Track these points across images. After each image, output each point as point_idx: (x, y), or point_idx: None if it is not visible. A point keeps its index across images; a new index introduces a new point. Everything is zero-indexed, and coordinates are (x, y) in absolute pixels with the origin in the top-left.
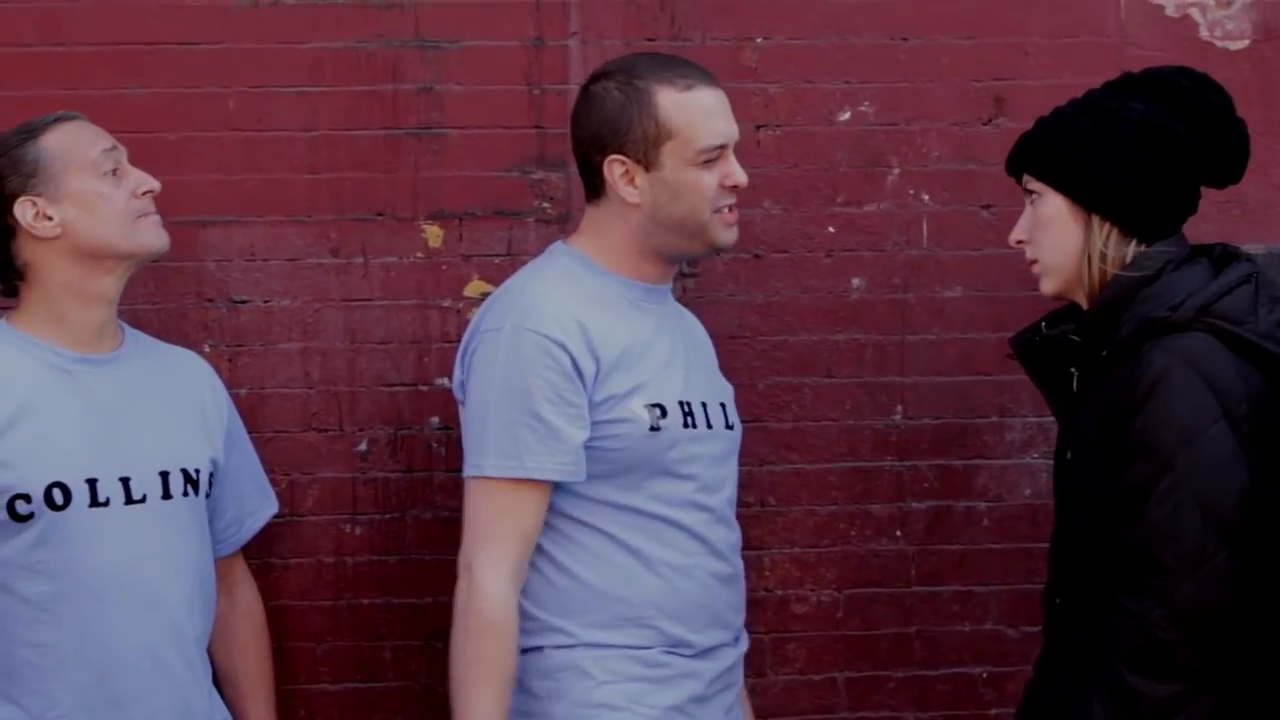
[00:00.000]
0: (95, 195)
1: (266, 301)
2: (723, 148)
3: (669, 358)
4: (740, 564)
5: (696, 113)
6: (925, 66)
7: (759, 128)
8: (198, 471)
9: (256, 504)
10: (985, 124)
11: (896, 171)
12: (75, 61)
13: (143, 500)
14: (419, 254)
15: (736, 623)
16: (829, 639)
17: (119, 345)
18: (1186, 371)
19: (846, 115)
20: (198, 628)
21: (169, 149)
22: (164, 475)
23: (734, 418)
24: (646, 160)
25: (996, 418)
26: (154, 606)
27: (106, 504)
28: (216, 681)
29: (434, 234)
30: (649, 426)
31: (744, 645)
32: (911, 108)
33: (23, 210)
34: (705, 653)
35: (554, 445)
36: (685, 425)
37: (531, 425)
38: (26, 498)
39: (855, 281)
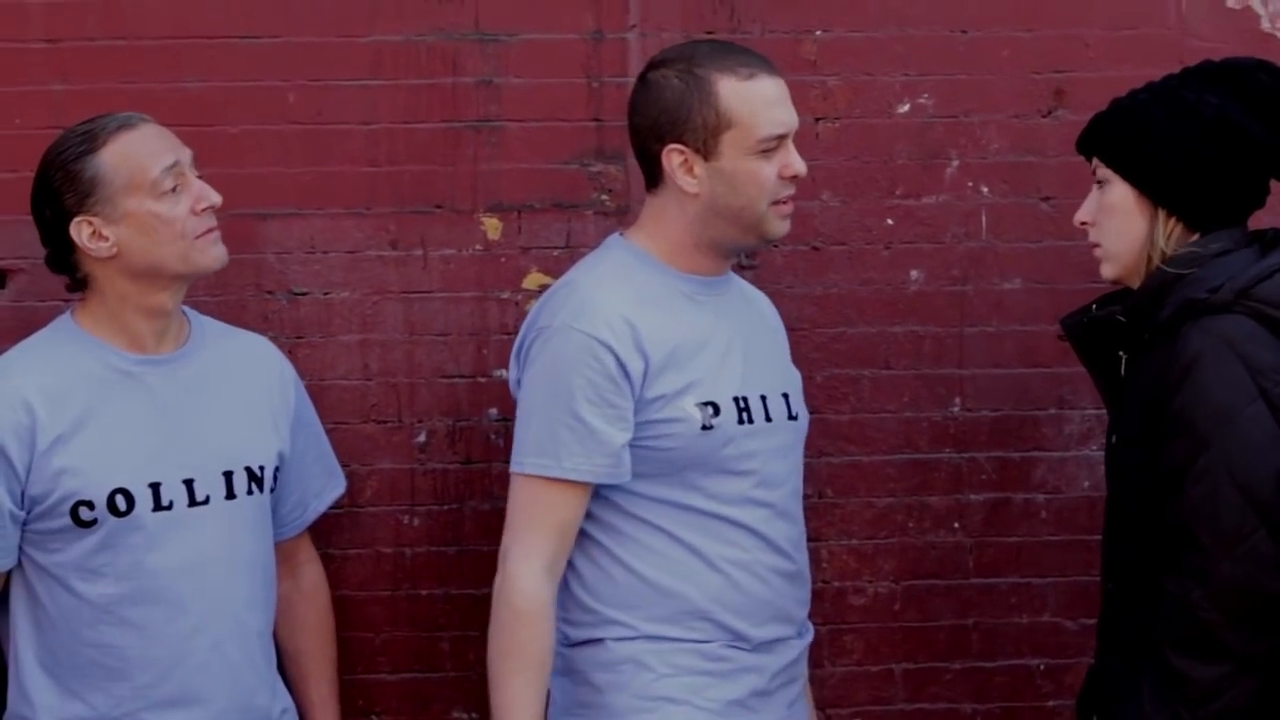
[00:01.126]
0: (152, 217)
1: (326, 293)
2: (782, 137)
3: (726, 351)
4: (804, 558)
5: (757, 101)
6: (985, 58)
7: (818, 120)
8: (262, 469)
9: (322, 485)
10: (1045, 116)
11: (955, 163)
12: (136, 54)
13: (206, 501)
14: (478, 246)
15: (799, 616)
16: (886, 630)
17: (183, 343)
18: (1223, 352)
19: (906, 107)
20: (260, 622)
21: (229, 141)
22: (228, 475)
23: (799, 407)
24: (705, 150)
25: (1055, 410)
26: (218, 606)
27: (170, 507)
28: (281, 662)
29: (493, 226)
30: (701, 425)
31: (808, 638)
32: (971, 100)
33: (79, 230)
34: (765, 646)
35: (592, 447)
36: (740, 421)
37: (572, 425)
38: (90, 504)
39: (914, 274)
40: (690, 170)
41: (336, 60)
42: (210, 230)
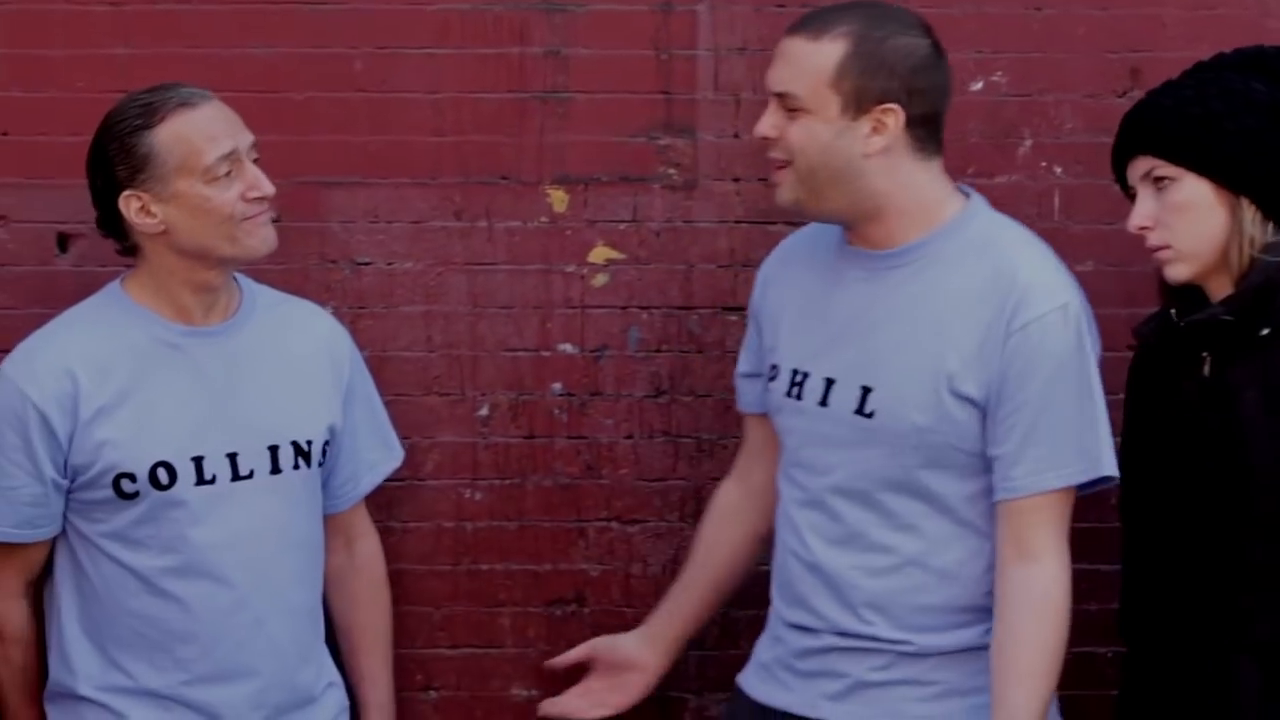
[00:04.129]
0: (202, 200)
1: (389, 264)
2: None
3: (840, 326)
4: (838, 562)
5: None
6: (1060, 37)
7: None
8: (309, 443)
9: (377, 458)
10: (1120, 96)
11: (1029, 143)
12: (201, 19)
13: (250, 476)
14: (543, 218)
15: (827, 615)
16: None
17: (232, 314)
18: None
19: (979, 85)
20: (306, 599)
21: (294, 109)
22: (273, 449)
23: (876, 406)
24: None
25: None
26: (262, 582)
27: (213, 481)
28: (333, 635)
29: (559, 199)
30: (767, 379)
31: (837, 642)
32: (1045, 78)
33: (127, 204)
34: (793, 626)
35: None
36: (788, 394)
37: None
38: (131, 476)
39: None
40: None
41: (403, 28)
42: (258, 215)
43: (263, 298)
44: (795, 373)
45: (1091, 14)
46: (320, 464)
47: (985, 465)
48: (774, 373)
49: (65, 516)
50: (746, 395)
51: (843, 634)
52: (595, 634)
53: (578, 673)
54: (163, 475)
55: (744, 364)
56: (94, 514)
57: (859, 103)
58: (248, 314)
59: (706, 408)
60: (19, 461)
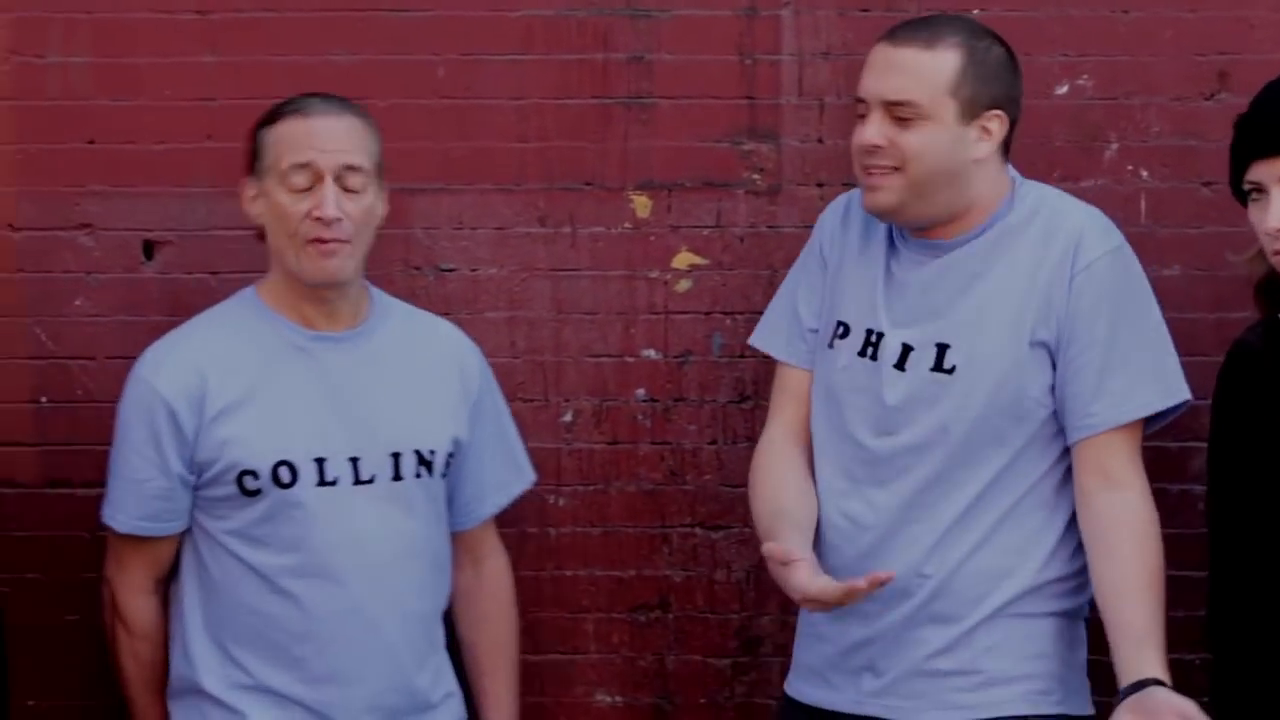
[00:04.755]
0: (277, 204)
1: (474, 270)
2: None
3: (913, 297)
4: (897, 520)
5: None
6: (1146, 39)
7: None
8: (433, 453)
9: (505, 479)
10: (1208, 99)
11: (1115, 147)
12: (286, 27)
13: (371, 481)
14: (627, 224)
15: (867, 608)
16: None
17: (361, 321)
18: None
19: (1064, 89)
20: (425, 606)
21: (379, 115)
22: (395, 456)
23: (957, 361)
24: None
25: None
26: (378, 586)
27: (334, 483)
28: (458, 652)
29: (642, 204)
30: (827, 341)
31: (913, 634)
32: (1131, 82)
33: (243, 189)
34: (839, 613)
35: None
36: (861, 354)
37: None
38: (254, 474)
39: None
40: None
41: (487, 35)
42: (323, 241)
43: (396, 310)
44: (870, 332)
45: (1179, 16)
46: (444, 475)
47: (1055, 428)
48: (842, 330)
49: (192, 514)
50: (804, 351)
51: (886, 617)
52: (678, 640)
53: (657, 681)
54: (284, 474)
55: (809, 317)
56: (218, 511)
57: (973, 110)
58: (377, 323)
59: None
60: (148, 456)
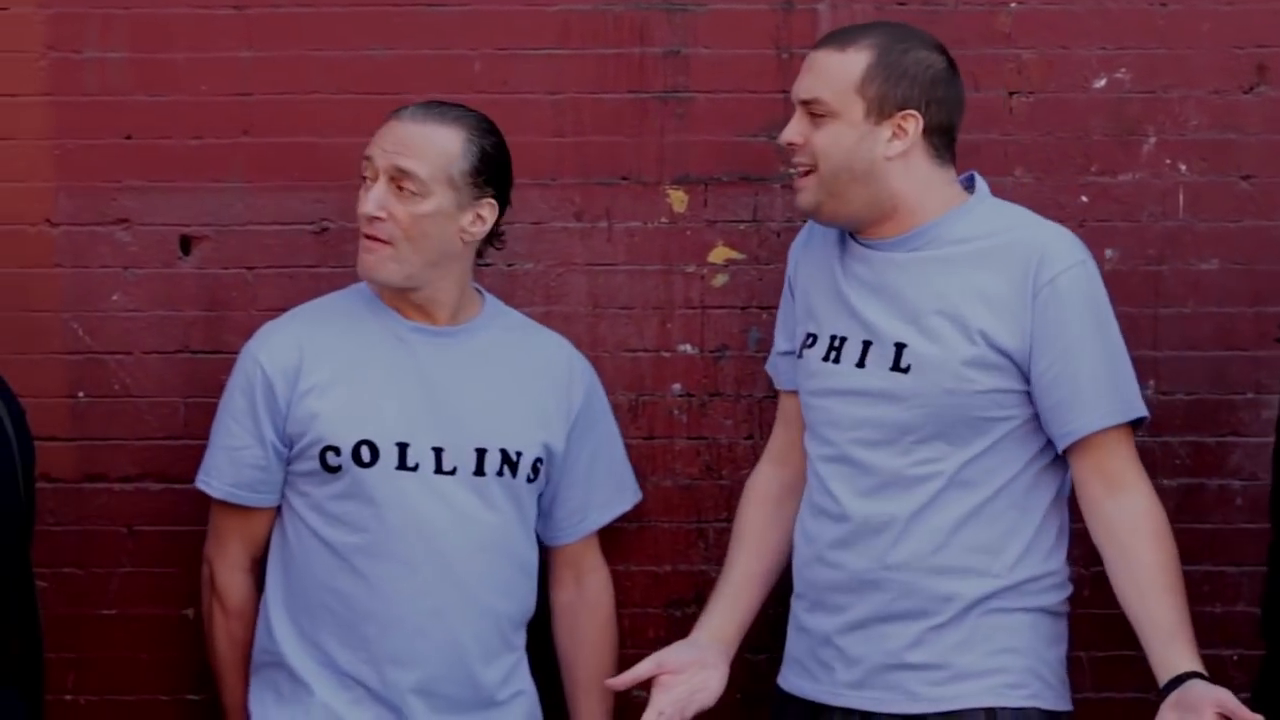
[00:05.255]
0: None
1: (510, 265)
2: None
3: (866, 297)
4: (865, 511)
5: None
6: (1185, 32)
7: (1011, 94)
8: (519, 454)
9: (609, 497)
10: (1246, 92)
11: (1153, 140)
12: (323, 22)
13: (453, 472)
14: (663, 219)
15: (859, 581)
16: (1074, 618)
17: (468, 319)
18: None
19: (1102, 82)
20: (501, 605)
21: None
22: (480, 452)
23: (911, 361)
24: None
25: (1252, 394)
26: (448, 575)
27: (415, 469)
28: (557, 666)
29: (679, 199)
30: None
31: (907, 625)
32: (1169, 75)
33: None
34: (819, 605)
35: None
36: (825, 359)
37: None
38: (336, 450)
39: (1108, 252)
40: None
41: (523, 29)
42: (367, 239)
43: (507, 318)
44: (834, 338)
45: (1217, 9)
46: (530, 480)
47: (1026, 430)
48: (810, 340)
49: (283, 492)
50: (787, 373)
51: (869, 608)
52: None
53: None
54: (365, 453)
55: (782, 342)
56: (301, 486)
57: (881, 108)
58: (483, 324)
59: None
60: (246, 425)
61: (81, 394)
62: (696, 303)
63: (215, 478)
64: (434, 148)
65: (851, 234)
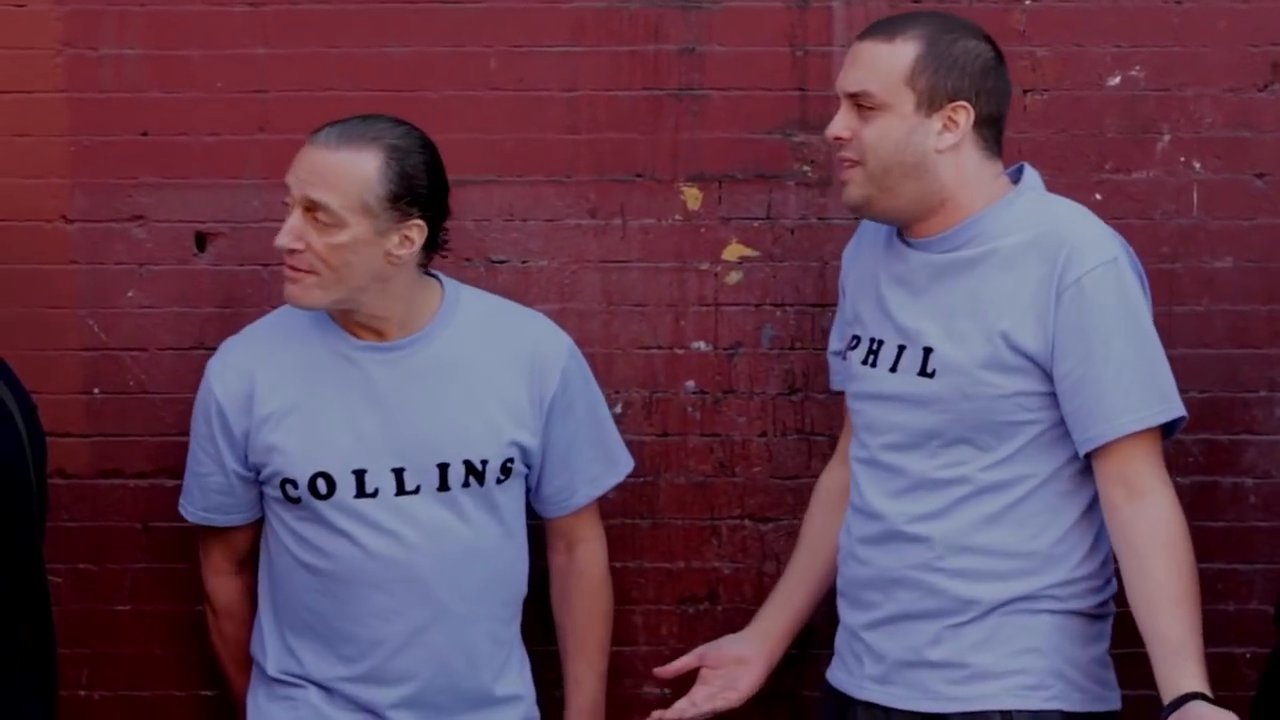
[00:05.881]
0: None
1: (524, 262)
2: None
3: (905, 300)
4: (893, 511)
5: None
6: (1199, 30)
7: (1026, 92)
8: (484, 463)
9: (596, 473)
10: (1261, 90)
11: (1167, 138)
12: (339, 19)
13: (416, 491)
14: (678, 216)
15: (895, 585)
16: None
17: (422, 327)
18: None
19: (1116, 80)
20: (480, 611)
21: (430, 107)
22: (443, 467)
23: (937, 365)
24: None
25: (1265, 392)
26: (424, 595)
27: (375, 495)
28: (552, 637)
29: (693, 196)
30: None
31: (932, 622)
32: (1184, 72)
33: None
34: (858, 601)
35: None
36: (863, 362)
37: None
38: (294, 483)
39: None
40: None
41: (538, 26)
42: (291, 266)
43: (470, 310)
44: (873, 341)
45: (1232, 6)
46: (500, 481)
47: (1055, 435)
48: (854, 342)
49: (264, 507)
50: (838, 374)
51: (899, 609)
52: (727, 632)
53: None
54: (321, 485)
55: (835, 342)
56: (275, 508)
57: (932, 100)
58: (439, 328)
59: (840, 405)
60: (209, 450)
61: (97, 390)
62: (710, 300)
63: (189, 502)
64: (347, 176)
65: (898, 231)
